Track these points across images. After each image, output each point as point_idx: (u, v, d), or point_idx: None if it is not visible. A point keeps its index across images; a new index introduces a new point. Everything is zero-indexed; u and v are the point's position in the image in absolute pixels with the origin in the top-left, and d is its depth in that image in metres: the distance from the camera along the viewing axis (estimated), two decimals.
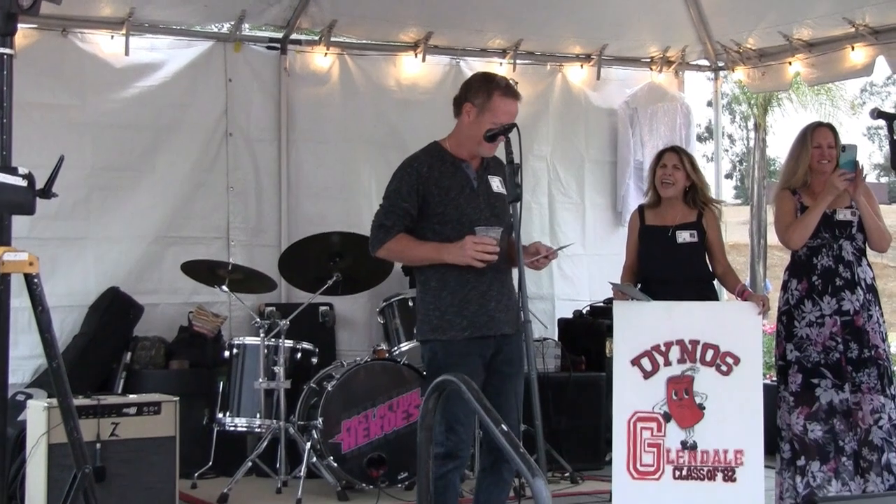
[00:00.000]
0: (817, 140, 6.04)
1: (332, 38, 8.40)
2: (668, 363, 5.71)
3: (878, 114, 5.45)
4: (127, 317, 7.66)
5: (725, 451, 5.63)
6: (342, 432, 6.82)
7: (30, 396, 6.76)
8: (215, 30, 8.70)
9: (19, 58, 3.87)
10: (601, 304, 8.41)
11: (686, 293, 6.05)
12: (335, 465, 6.78)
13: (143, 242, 7.87)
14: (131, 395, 6.49)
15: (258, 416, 7.02)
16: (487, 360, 4.93)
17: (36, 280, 3.83)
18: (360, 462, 6.83)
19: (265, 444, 6.97)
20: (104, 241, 7.73)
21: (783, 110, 23.88)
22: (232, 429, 7.10)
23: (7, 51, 3.72)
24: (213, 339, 7.74)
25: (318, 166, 8.44)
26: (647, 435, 5.66)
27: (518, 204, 4.66)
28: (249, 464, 6.93)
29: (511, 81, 5.05)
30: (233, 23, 8.18)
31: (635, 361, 5.74)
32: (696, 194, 6.28)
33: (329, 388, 6.82)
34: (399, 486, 6.91)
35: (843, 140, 6.05)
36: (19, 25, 3.76)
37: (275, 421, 6.93)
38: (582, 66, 9.20)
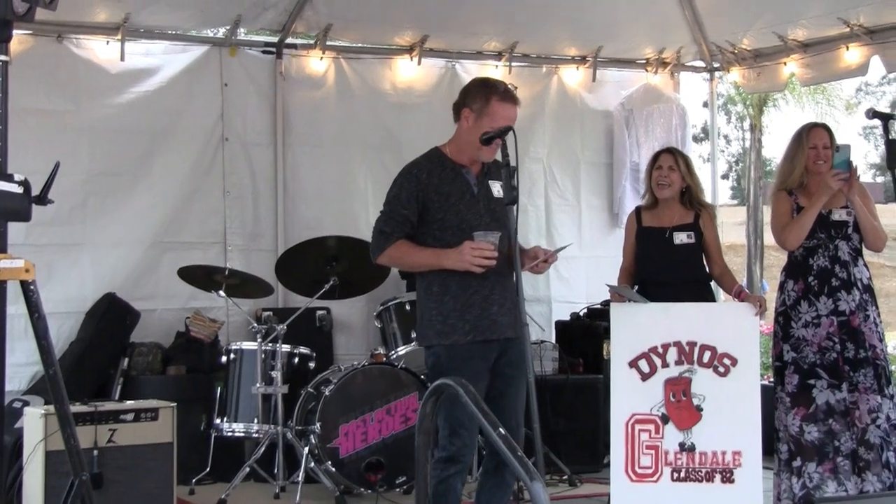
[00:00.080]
0: (813, 141, 6.05)
1: (328, 42, 8.40)
2: (665, 365, 5.71)
3: (873, 114, 5.48)
4: (123, 323, 7.65)
5: (724, 453, 5.64)
6: (340, 437, 6.82)
7: (26, 403, 6.75)
8: (211, 34, 8.68)
9: (14, 64, 3.86)
10: (598, 307, 8.41)
11: (683, 294, 6.05)
12: (333, 469, 6.77)
13: (140, 248, 7.86)
14: (128, 402, 6.48)
15: (256, 421, 7.01)
16: (491, 363, 4.94)
17: (32, 287, 3.83)
18: (359, 466, 6.82)
19: (263, 449, 6.96)
20: (100, 247, 7.72)
21: (779, 110, 23.94)
22: (229, 434, 7.09)
23: (2, 57, 3.72)
24: (210, 345, 7.74)
25: (315, 170, 8.44)
26: (646, 437, 5.66)
27: (515, 207, 4.66)
28: (247, 469, 6.91)
29: (510, 86, 5.06)
30: (228, 27, 8.17)
31: (633, 363, 5.74)
32: (692, 196, 6.29)
33: (327, 393, 6.81)
34: (397, 490, 6.90)
35: (839, 140, 6.06)
36: (14, 31, 3.75)
37: (272, 426, 6.92)
38: (577, 67, 9.20)
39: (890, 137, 5.37)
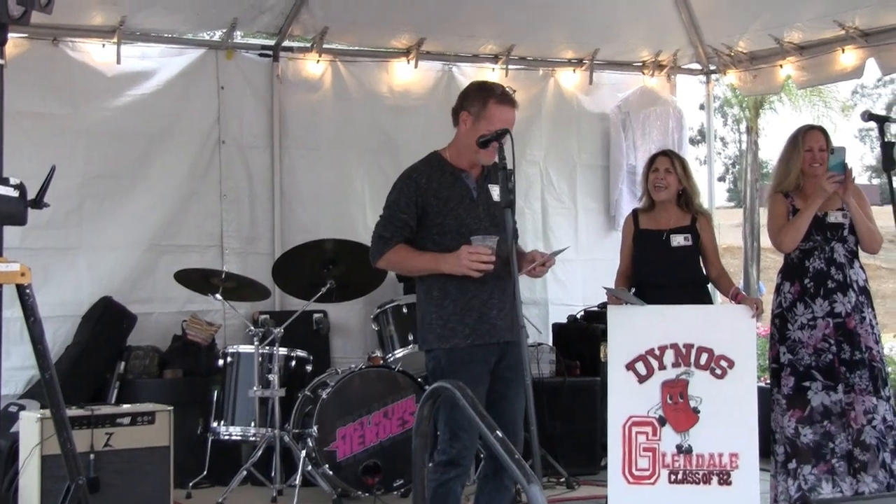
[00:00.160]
0: (809, 143, 6.06)
1: (325, 45, 8.40)
2: (662, 367, 5.71)
3: (869, 116, 5.49)
4: (120, 326, 7.64)
5: (720, 455, 5.64)
6: (337, 440, 6.81)
7: (22, 408, 6.76)
8: (207, 37, 8.68)
9: (10, 67, 3.87)
10: (595, 309, 8.40)
11: (680, 297, 6.05)
12: (330, 473, 6.77)
13: (136, 251, 7.86)
14: (125, 405, 6.47)
15: (253, 424, 7.00)
16: (491, 366, 4.95)
17: (28, 291, 3.83)
18: (356, 470, 6.81)
19: (260, 452, 6.95)
20: (97, 251, 7.72)
21: (775, 113, 23.97)
22: (226, 437, 7.08)
23: None
24: (206, 348, 7.73)
25: (311, 173, 8.44)
26: (643, 439, 5.66)
27: (510, 210, 4.66)
28: (244, 473, 6.91)
29: (508, 89, 5.06)
30: (225, 30, 8.17)
31: (630, 366, 5.74)
32: (689, 198, 6.30)
33: (324, 396, 6.80)
34: (394, 493, 6.89)
35: (835, 142, 6.07)
36: (10, 35, 3.75)
37: (269, 429, 6.91)
38: (574, 70, 9.20)
39: (885, 140, 5.39)
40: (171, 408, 6.19)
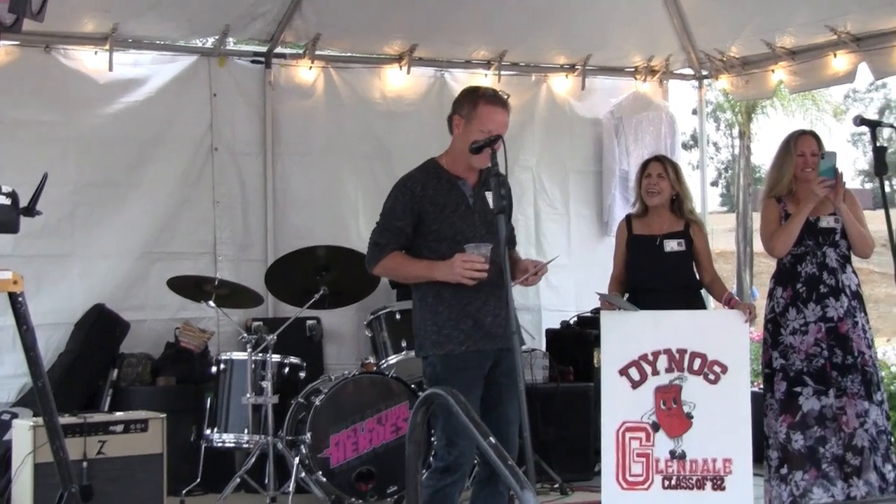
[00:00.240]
0: (801, 148, 6.07)
1: (317, 52, 8.40)
2: (655, 372, 5.71)
3: (860, 121, 5.51)
4: (113, 334, 7.63)
5: (714, 460, 5.64)
6: (331, 447, 6.80)
7: (15, 416, 6.74)
8: (199, 44, 8.68)
9: (2, 75, 3.87)
10: (588, 315, 8.40)
11: (674, 302, 6.06)
12: (324, 479, 6.76)
13: (129, 258, 7.84)
14: (118, 413, 6.47)
15: (246, 431, 6.98)
16: (486, 372, 4.97)
17: (20, 299, 3.83)
18: (349, 476, 6.81)
19: (253, 459, 6.94)
20: (89, 258, 7.70)
21: (767, 117, 23.99)
22: (220, 445, 7.07)
23: None
24: (199, 355, 7.72)
25: (304, 179, 8.43)
26: (636, 445, 5.66)
27: (503, 216, 4.66)
28: (238, 480, 6.90)
29: (502, 93, 5.08)
30: (217, 37, 8.17)
31: (623, 371, 5.74)
32: (682, 203, 6.31)
33: (317, 403, 6.79)
34: (388, 499, 6.89)
35: (827, 147, 6.09)
36: (1, 42, 3.76)
37: (263, 436, 6.90)
38: (566, 76, 9.21)
39: (877, 144, 5.40)
40: (164, 415, 6.18)
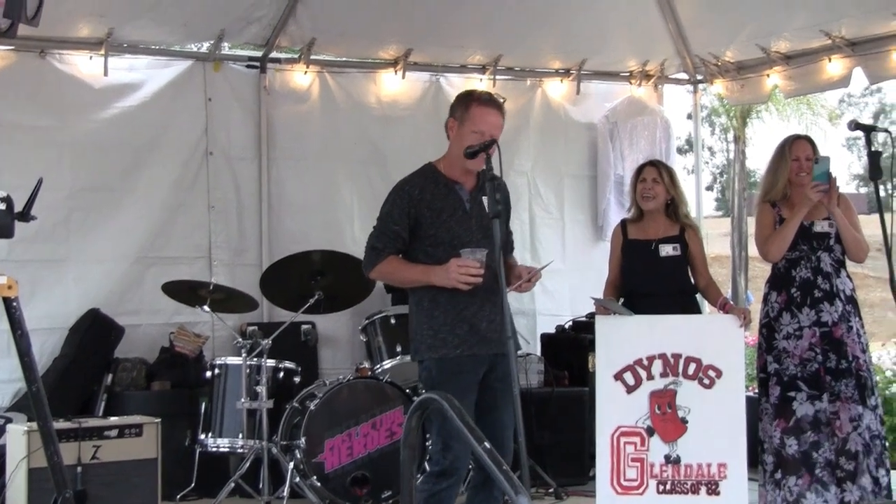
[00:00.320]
0: (795, 153, 6.08)
1: (312, 56, 8.40)
2: (650, 377, 5.71)
3: (855, 125, 5.52)
4: (107, 338, 7.62)
5: (709, 465, 5.64)
6: (325, 451, 6.79)
7: (9, 420, 6.73)
8: (194, 49, 8.66)
9: None
10: (583, 319, 8.40)
11: (669, 306, 6.07)
12: (318, 484, 6.75)
13: (124, 263, 7.83)
14: (112, 418, 6.46)
15: (241, 436, 6.97)
16: (480, 377, 4.98)
17: (15, 304, 3.83)
18: (344, 481, 6.80)
19: (248, 464, 6.92)
20: (84, 263, 7.69)
21: (762, 122, 24.02)
22: (214, 449, 7.06)
23: None
24: (194, 360, 7.71)
25: (299, 184, 8.42)
26: (631, 449, 5.66)
27: (497, 220, 4.66)
28: (232, 485, 6.88)
29: (497, 96, 5.09)
30: (212, 42, 8.16)
31: (618, 376, 5.74)
32: (677, 208, 6.32)
33: (312, 408, 6.79)
34: None
35: (823, 151, 6.09)
36: None
37: (257, 441, 6.89)
38: (561, 80, 9.21)
39: (872, 149, 5.41)
40: (158, 420, 6.17)
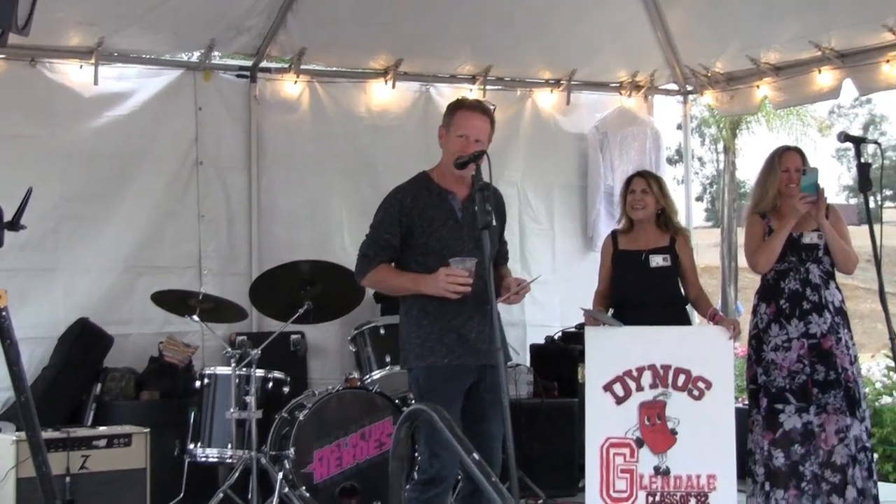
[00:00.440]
0: (785, 164, 6.10)
1: (302, 66, 8.40)
2: (640, 388, 5.72)
3: (845, 137, 5.53)
4: (97, 348, 7.59)
5: (698, 476, 5.64)
6: (314, 462, 6.78)
7: None
8: (185, 58, 8.65)
9: None
10: (573, 330, 8.40)
11: (659, 317, 6.07)
12: (307, 495, 6.73)
13: (114, 272, 7.81)
14: (101, 427, 6.44)
15: (230, 446, 6.95)
16: (467, 386, 4.99)
17: (4, 313, 3.81)
18: (333, 492, 6.78)
19: (237, 474, 6.89)
20: (74, 272, 7.66)
21: (752, 133, 24.05)
22: (203, 459, 7.03)
23: None
24: (183, 370, 7.69)
25: (289, 193, 8.42)
26: (620, 461, 5.67)
27: (487, 231, 4.66)
28: (221, 495, 6.85)
29: (487, 103, 5.13)
30: (202, 51, 8.15)
31: (607, 387, 5.74)
32: (667, 218, 6.33)
33: (301, 418, 6.77)
34: None
35: (812, 162, 6.12)
36: None
37: (246, 451, 6.87)
38: (552, 91, 9.22)
39: (862, 160, 5.43)
40: (147, 430, 6.16)
